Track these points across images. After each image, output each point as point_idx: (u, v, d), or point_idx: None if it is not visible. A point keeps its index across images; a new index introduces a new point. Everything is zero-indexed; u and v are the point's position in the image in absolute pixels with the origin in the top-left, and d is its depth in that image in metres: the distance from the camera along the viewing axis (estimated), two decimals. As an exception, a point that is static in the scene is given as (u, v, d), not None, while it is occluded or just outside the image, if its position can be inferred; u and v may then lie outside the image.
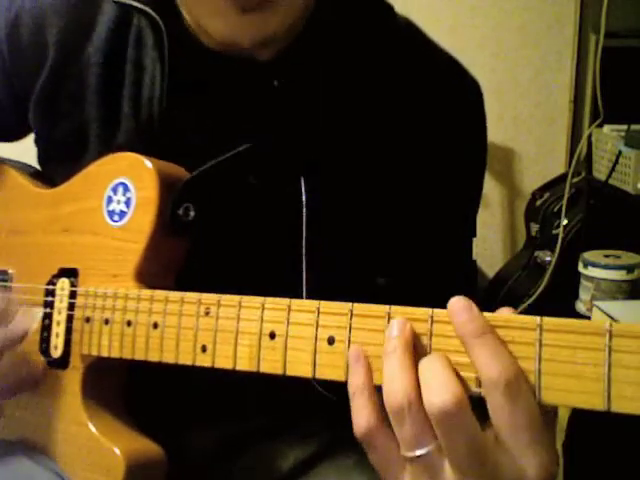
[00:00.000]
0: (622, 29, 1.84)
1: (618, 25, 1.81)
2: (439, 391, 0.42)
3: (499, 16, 2.16)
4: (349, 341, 0.48)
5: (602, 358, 0.40)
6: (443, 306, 0.45)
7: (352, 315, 0.48)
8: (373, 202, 0.68)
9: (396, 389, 0.43)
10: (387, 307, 0.47)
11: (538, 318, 0.42)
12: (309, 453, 0.75)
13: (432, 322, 0.45)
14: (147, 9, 0.65)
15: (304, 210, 0.65)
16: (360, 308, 0.48)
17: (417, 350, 0.45)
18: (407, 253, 0.69)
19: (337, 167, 0.67)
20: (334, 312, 0.49)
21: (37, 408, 0.68)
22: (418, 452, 0.43)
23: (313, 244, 0.65)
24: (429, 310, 0.45)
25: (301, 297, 0.64)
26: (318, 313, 0.49)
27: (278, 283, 0.57)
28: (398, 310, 0.46)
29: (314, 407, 0.70)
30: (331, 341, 0.49)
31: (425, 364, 0.44)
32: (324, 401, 0.64)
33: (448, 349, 0.44)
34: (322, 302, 0.49)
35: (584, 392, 0.40)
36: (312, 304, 0.50)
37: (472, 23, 2.15)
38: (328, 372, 0.49)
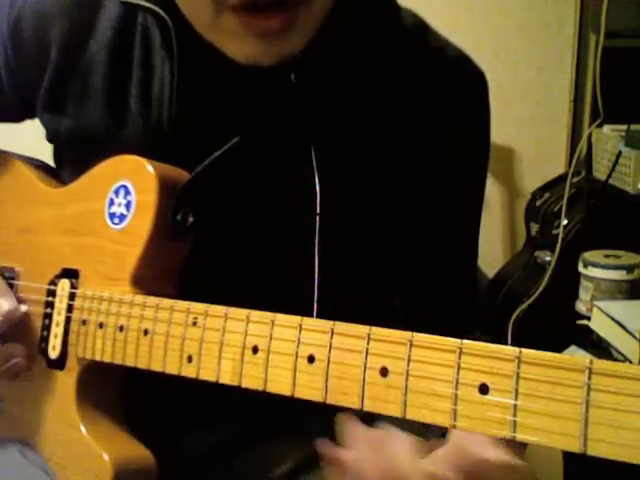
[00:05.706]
0: (622, 29, 1.84)
1: (618, 25, 1.81)
2: None
3: (499, 16, 2.15)
4: (329, 361, 0.47)
5: (580, 396, 0.38)
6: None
7: (333, 334, 0.47)
8: (384, 197, 0.68)
9: None
10: (367, 328, 0.46)
11: (517, 349, 0.40)
12: (308, 454, 0.74)
13: (411, 346, 0.44)
14: (155, 8, 0.64)
15: (318, 204, 0.64)
16: (341, 327, 0.47)
17: (394, 375, 0.44)
18: (416, 255, 0.69)
19: (350, 162, 0.66)
20: (316, 329, 0.48)
21: (32, 407, 0.68)
22: None
23: (326, 246, 0.64)
24: (408, 334, 0.44)
25: (312, 302, 0.63)
26: (300, 329, 0.48)
27: (289, 287, 0.56)
28: (378, 332, 0.45)
29: (313, 407, 0.70)
30: (311, 359, 0.48)
31: None
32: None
33: (426, 376, 0.43)
34: (305, 318, 0.49)
35: (559, 433, 0.38)
36: (295, 320, 0.49)
37: (472, 23, 2.14)
38: (306, 392, 0.48)
